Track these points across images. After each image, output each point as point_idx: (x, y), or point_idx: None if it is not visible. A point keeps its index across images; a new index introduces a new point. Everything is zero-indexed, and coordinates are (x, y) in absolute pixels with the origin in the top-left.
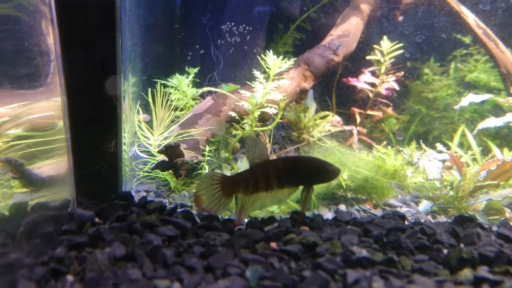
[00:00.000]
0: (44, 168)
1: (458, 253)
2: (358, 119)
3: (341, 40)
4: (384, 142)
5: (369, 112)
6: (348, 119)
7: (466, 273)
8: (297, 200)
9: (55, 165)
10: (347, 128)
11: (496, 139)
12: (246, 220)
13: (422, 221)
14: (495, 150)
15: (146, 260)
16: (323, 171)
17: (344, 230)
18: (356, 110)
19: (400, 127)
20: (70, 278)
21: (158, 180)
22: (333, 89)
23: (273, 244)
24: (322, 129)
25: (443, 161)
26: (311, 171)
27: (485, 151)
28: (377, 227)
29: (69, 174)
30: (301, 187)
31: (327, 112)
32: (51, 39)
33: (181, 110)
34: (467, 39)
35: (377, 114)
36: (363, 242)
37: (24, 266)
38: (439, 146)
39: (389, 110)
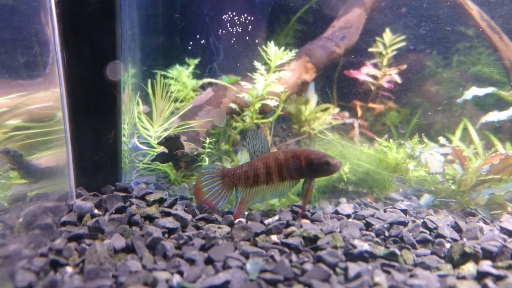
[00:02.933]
0: (43, 159)
1: (461, 247)
2: (359, 112)
3: (343, 31)
4: (386, 135)
5: (370, 105)
6: (349, 111)
7: (469, 268)
8: (298, 193)
9: (54, 156)
10: (348, 121)
11: (499, 133)
12: (246, 213)
13: (424, 215)
14: (498, 144)
15: (146, 252)
16: (324, 164)
17: (345, 223)
18: (358, 103)
19: (401, 120)
20: (69, 269)
21: (157, 172)
22: (334, 81)
23: (274, 237)
24: (323, 122)
25: (445, 155)
26: (313, 164)
27: (487, 145)
28: (379, 220)
29: (68, 165)
30: (302, 180)
31: (328, 105)
32: (49, 29)
33: (181, 101)
34: (470, 32)
35: (379, 107)
36: (365, 236)
37: (23, 257)
38: (441, 139)
39: (390, 103)
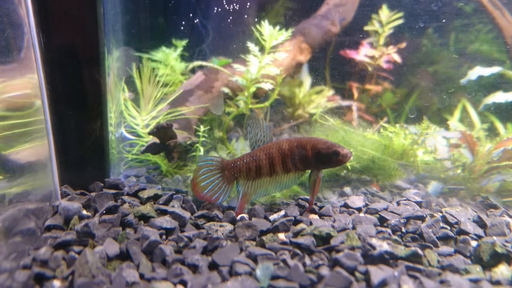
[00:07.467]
0: (21, 153)
1: (491, 247)
2: (356, 94)
3: (338, 9)
4: (385, 119)
5: (367, 86)
6: (343, 93)
7: (502, 271)
8: (300, 182)
9: (34, 150)
10: (345, 103)
11: (499, 115)
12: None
13: (434, 204)
14: (501, 127)
15: (143, 258)
16: (333, 154)
17: (358, 218)
18: (354, 84)
19: (411, 106)
20: (57, 283)
21: (147, 163)
22: (327, 62)
23: (282, 236)
24: (318, 105)
25: (448, 139)
26: (320, 154)
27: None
28: (394, 215)
29: (51, 160)
30: (308, 171)
31: (322, 87)
32: (23, 9)
33: (170, 86)
34: (468, 8)
35: (376, 88)
36: (381, 233)
37: (3, 271)
38: (451, 124)
39: (386, 84)
